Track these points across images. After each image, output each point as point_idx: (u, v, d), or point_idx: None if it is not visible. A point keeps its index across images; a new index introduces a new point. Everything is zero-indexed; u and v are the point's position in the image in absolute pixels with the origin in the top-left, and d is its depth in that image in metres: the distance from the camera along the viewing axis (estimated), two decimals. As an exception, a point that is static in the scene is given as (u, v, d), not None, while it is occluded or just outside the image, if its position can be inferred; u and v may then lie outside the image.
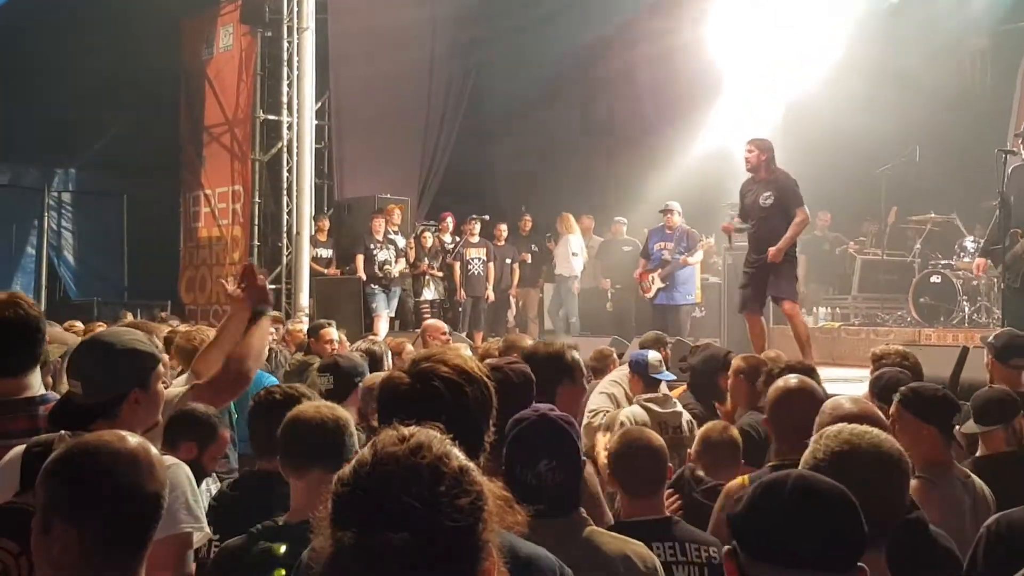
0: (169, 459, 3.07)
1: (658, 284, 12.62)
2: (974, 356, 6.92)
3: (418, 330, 10.10)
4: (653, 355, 6.12)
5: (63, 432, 2.79)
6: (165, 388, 3.33)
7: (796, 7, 15.68)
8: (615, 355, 7.70)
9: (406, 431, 1.68)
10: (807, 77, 15.64)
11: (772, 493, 1.95)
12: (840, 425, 2.60)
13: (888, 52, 15.67)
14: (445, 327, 8.45)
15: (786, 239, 9.03)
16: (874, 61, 15.53)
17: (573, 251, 14.65)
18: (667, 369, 6.26)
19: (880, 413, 3.35)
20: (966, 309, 12.49)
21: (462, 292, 14.25)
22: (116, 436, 2.19)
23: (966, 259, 12.73)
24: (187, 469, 3.17)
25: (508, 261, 14.75)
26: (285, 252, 14.87)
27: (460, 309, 14.31)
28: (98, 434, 2.23)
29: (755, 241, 9.35)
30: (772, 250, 8.96)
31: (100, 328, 8.82)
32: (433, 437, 1.67)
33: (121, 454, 2.13)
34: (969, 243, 12.84)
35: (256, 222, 15.42)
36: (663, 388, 6.14)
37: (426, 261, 14.37)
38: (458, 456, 1.66)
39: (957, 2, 15.96)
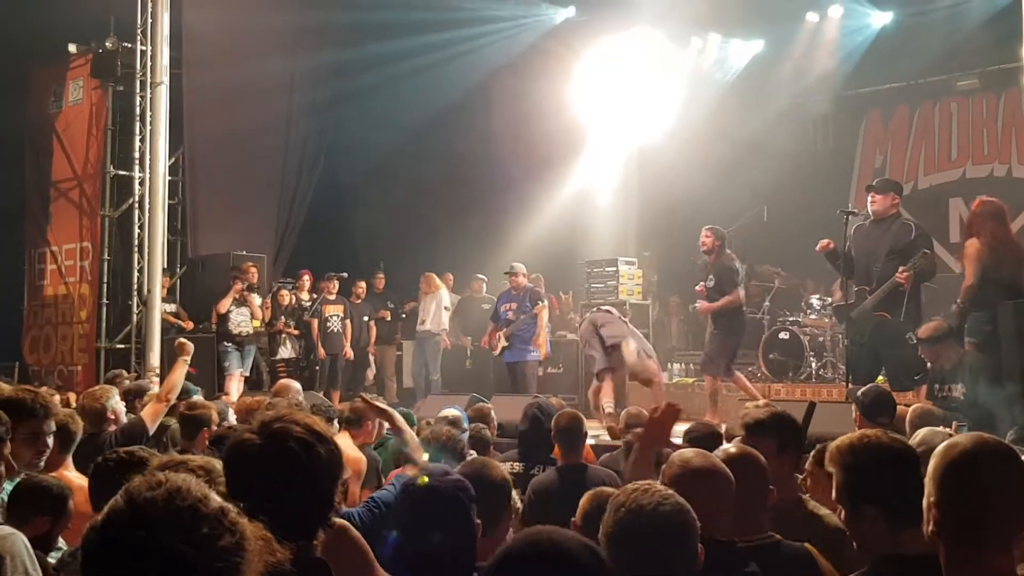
0: (5, 529, 2.94)
1: (503, 343, 12.85)
2: (820, 411, 7.13)
3: (270, 390, 9.89)
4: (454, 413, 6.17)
5: None
6: None
7: (646, 72, 16.14)
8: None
9: (159, 476, 1.63)
10: (660, 139, 16.09)
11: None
12: (623, 495, 2.77)
13: (735, 115, 16.25)
14: (297, 386, 8.31)
15: (711, 306, 10.84)
16: (723, 124, 16.08)
17: (446, 305, 14.70)
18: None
19: (724, 467, 3.42)
20: (813, 365, 12.92)
21: (322, 350, 14.07)
22: None
23: (812, 316, 13.18)
24: (23, 537, 3.04)
25: (365, 319, 14.65)
26: (135, 310, 14.44)
27: (317, 368, 14.12)
28: None
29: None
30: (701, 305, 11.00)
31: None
32: (190, 480, 1.64)
33: None
34: (815, 300, 13.30)
35: (105, 280, 14.93)
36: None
37: (282, 319, 14.17)
38: (216, 497, 1.63)
39: (799, 68, 16.69)
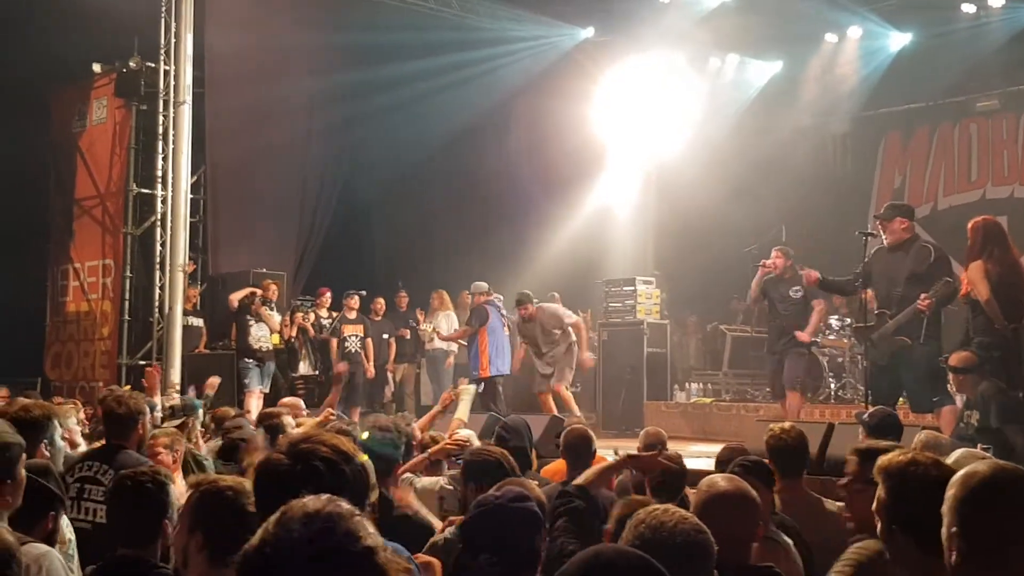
0: (40, 547, 2.99)
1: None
2: (840, 432, 7.14)
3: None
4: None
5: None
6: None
7: (665, 92, 16.19)
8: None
9: (312, 507, 1.64)
10: (679, 159, 16.12)
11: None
12: (643, 512, 2.79)
13: (754, 136, 16.26)
14: (302, 404, 8.40)
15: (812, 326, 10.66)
16: (741, 144, 16.09)
17: (455, 327, 14.70)
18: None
19: (753, 493, 3.41)
20: (832, 385, 12.89)
21: (338, 368, 14.06)
22: None
23: (831, 336, 13.15)
24: (58, 555, 3.09)
25: (385, 336, 14.66)
26: (156, 328, 14.53)
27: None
28: None
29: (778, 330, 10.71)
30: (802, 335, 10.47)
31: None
32: (340, 514, 1.64)
33: None
34: (834, 321, 13.25)
35: (127, 297, 15.05)
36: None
37: (301, 316, 14.25)
38: (366, 535, 1.63)
39: (818, 89, 16.69)
